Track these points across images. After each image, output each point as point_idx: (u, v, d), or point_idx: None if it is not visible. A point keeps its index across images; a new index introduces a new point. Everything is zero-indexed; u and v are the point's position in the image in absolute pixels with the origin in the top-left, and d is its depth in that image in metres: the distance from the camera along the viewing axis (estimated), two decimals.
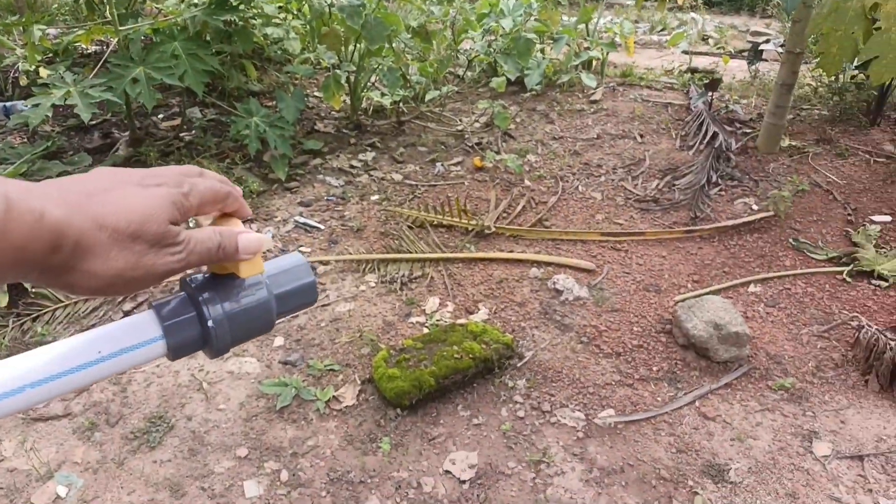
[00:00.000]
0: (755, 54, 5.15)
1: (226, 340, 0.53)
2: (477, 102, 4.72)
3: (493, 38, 5.03)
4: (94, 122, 4.22)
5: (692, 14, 8.04)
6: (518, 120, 4.68)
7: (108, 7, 3.36)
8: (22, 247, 0.39)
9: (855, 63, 4.04)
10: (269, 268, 0.57)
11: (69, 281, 0.44)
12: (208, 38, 3.70)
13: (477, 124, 4.64)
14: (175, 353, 0.52)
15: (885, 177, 3.65)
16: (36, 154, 3.43)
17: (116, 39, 3.45)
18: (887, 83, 3.80)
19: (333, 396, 2.30)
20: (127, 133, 3.97)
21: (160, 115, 4.45)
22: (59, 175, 3.22)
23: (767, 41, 5.57)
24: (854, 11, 3.01)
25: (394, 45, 4.17)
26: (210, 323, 0.52)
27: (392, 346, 2.49)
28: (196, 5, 3.67)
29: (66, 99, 3.01)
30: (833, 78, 4.32)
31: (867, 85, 4.32)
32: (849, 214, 3.37)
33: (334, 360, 2.47)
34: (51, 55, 4.49)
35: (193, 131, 4.18)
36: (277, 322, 0.59)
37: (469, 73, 5.54)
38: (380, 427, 2.19)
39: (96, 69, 3.49)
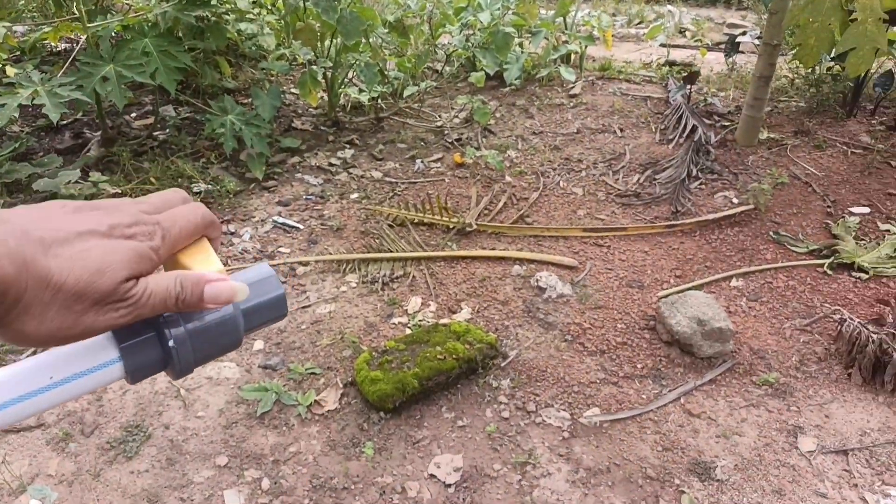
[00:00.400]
0: (732, 46, 5.16)
1: (188, 361, 0.49)
2: (456, 98, 4.68)
3: (471, 32, 4.98)
4: (64, 122, 4.12)
5: (669, 6, 8.06)
6: (498, 115, 4.65)
7: (76, 3, 3.27)
8: None
9: (832, 54, 4.06)
10: (234, 280, 0.53)
11: (4, 332, 0.40)
12: (180, 34, 3.62)
13: (456, 120, 4.60)
14: (133, 376, 0.48)
15: (862, 168, 3.67)
16: (4, 156, 3.33)
17: (85, 37, 3.36)
18: (863, 74, 3.82)
19: (315, 401, 2.25)
20: (99, 133, 3.88)
21: (133, 114, 4.35)
22: (28, 177, 3.14)
23: (744, 33, 5.59)
24: (830, 3, 3.01)
25: (370, 40, 4.11)
26: (171, 343, 0.48)
27: (374, 347, 2.45)
28: (167, 1, 3.58)
29: (33, 99, 2.92)
30: (810, 70, 4.34)
31: (843, 76, 4.34)
32: (828, 206, 3.38)
33: (315, 363, 2.43)
34: (18, 53, 4.38)
35: (167, 130, 4.09)
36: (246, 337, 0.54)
37: (447, 68, 5.49)
38: (363, 431, 2.15)
39: (65, 67, 3.40)
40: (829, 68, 4.52)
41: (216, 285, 0.49)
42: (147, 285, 0.45)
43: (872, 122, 4.23)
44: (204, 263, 0.52)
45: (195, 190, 3.43)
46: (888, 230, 3.14)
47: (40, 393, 0.44)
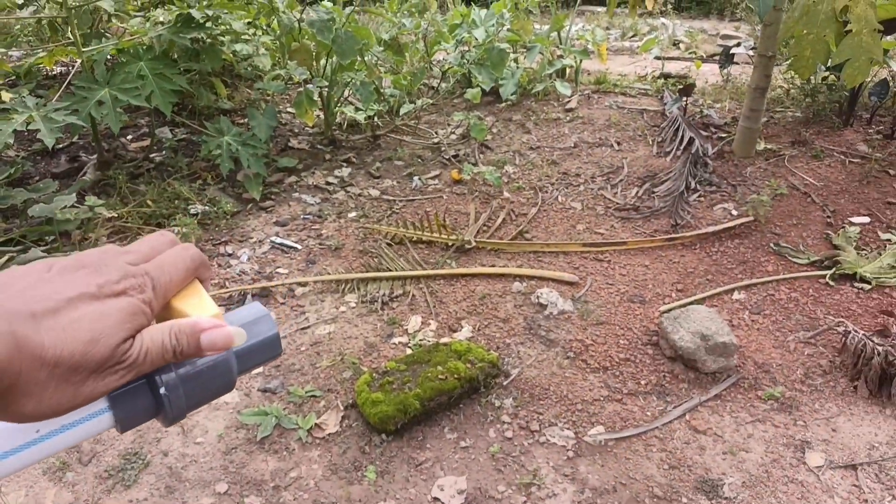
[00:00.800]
0: (727, 58, 5.17)
1: (181, 408, 0.47)
2: (452, 114, 4.68)
3: (466, 49, 4.99)
4: (60, 146, 4.11)
5: (662, 19, 8.10)
6: (494, 131, 4.64)
7: (70, 28, 3.27)
8: None
9: (827, 65, 4.06)
10: (227, 322, 0.52)
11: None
12: (175, 56, 3.62)
13: (453, 136, 4.60)
14: (123, 425, 0.46)
15: (860, 177, 3.67)
16: None
17: (80, 61, 3.36)
18: (859, 84, 3.82)
19: (316, 424, 2.22)
20: (94, 156, 3.87)
21: (129, 137, 4.35)
22: (24, 203, 3.12)
23: (738, 44, 5.60)
24: (825, 14, 3.01)
25: (366, 58, 4.12)
26: (162, 390, 0.46)
27: (375, 368, 2.42)
28: (162, 24, 3.59)
29: (28, 124, 2.91)
30: (806, 80, 4.34)
31: (839, 86, 4.35)
32: (828, 216, 3.37)
33: (315, 385, 2.40)
34: (13, 78, 4.38)
35: (164, 152, 4.09)
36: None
37: (443, 85, 5.50)
38: (365, 454, 2.12)
39: (60, 91, 3.40)
40: (824, 78, 4.53)
41: (212, 333, 0.47)
42: (143, 342, 0.44)
43: (869, 131, 4.23)
44: (198, 307, 0.50)
45: (192, 211, 3.41)
46: (889, 239, 3.13)
47: (27, 447, 0.42)
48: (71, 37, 3.32)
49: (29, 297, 0.40)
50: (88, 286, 0.43)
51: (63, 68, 5.08)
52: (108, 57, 3.56)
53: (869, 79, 4.07)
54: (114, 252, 0.46)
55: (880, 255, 3.00)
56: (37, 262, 0.43)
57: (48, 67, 4.68)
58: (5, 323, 0.37)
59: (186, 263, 0.49)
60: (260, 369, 2.47)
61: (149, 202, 3.44)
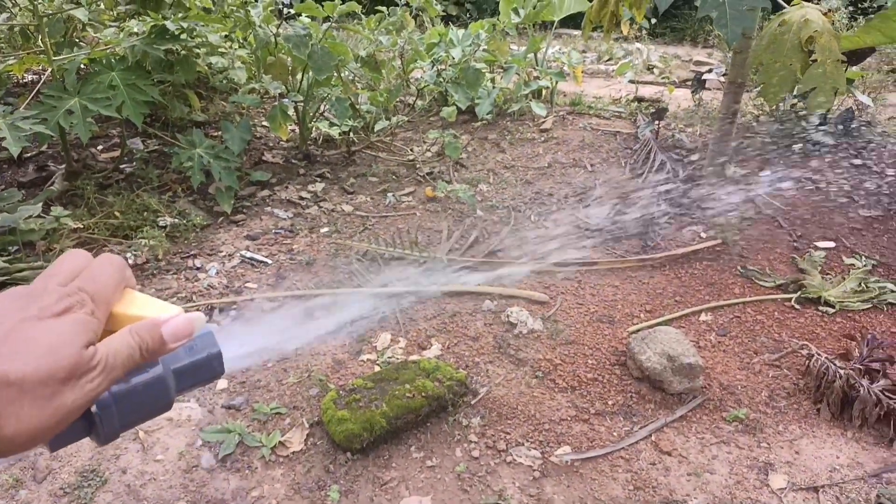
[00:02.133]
0: (699, 84, 5.27)
1: (113, 427, 0.46)
2: (428, 132, 4.69)
3: (442, 67, 5.03)
4: (28, 155, 4.05)
5: (637, 44, 8.24)
6: (469, 149, 4.67)
7: (41, 36, 3.23)
8: None
9: (794, 93, 4.16)
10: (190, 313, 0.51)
11: None
12: (149, 68, 3.59)
13: (428, 154, 4.61)
14: (53, 445, 0.45)
15: (827, 203, 3.74)
16: None
17: (51, 69, 3.31)
18: (825, 112, 3.92)
19: (280, 442, 2.19)
20: (63, 166, 3.81)
21: (99, 147, 4.29)
22: None
23: (710, 71, 5.72)
24: (791, 44, 3.09)
25: (342, 74, 4.12)
26: (94, 408, 0.45)
27: (342, 385, 2.40)
28: (136, 35, 3.56)
29: None
30: (774, 106, 4.44)
31: (806, 113, 4.45)
32: (794, 241, 3.43)
33: (281, 402, 2.36)
34: None
35: (134, 163, 4.04)
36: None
37: (420, 103, 5.53)
38: (329, 473, 2.09)
39: (29, 99, 3.35)
40: (792, 105, 4.63)
41: (171, 324, 0.48)
42: (108, 347, 0.45)
43: (836, 156, 4.33)
44: (149, 309, 0.49)
45: (161, 224, 3.37)
46: (853, 264, 3.19)
47: None
48: (42, 45, 3.28)
49: None
50: (28, 311, 0.42)
51: (34, 77, 5.01)
52: (80, 66, 3.52)
53: (835, 107, 4.18)
54: (40, 280, 0.46)
55: (844, 279, 3.06)
56: None
57: (18, 75, 4.61)
58: None
59: (114, 271, 0.48)
60: (224, 384, 2.44)
61: (116, 213, 3.39)
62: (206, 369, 0.51)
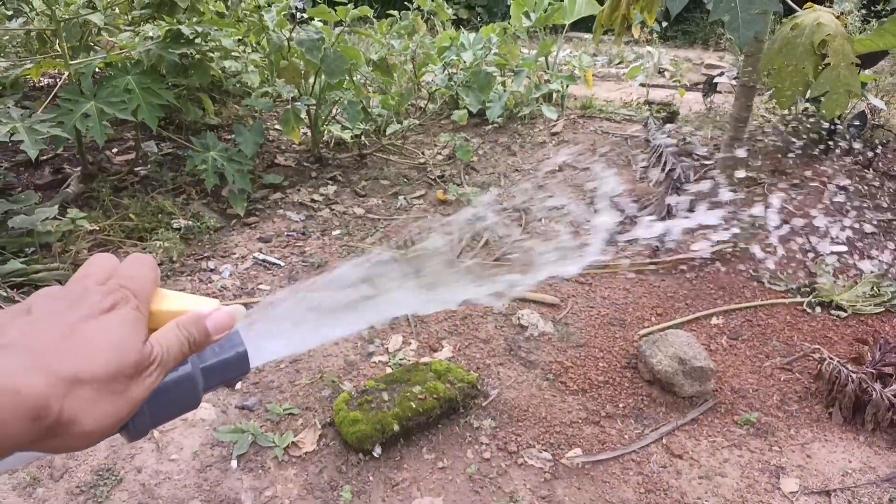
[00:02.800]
0: (710, 87, 5.26)
1: (144, 424, 0.48)
2: (439, 135, 4.71)
3: (454, 71, 5.05)
4: (44, 158, 4.10)
5: (648, 48, 8.22)
6: (480, 152, 4.68)
7: (59, 40, 3.27)
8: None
9: (807, 96, 4.15)
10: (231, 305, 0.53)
11: (59, 445, 0.41)
12: (163, 71, 3.63)
13: (439, 157, 4.63)
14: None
15: (838, 206, 3.73)
16: None
17: (67, 73, 3.36)
18: (838, 115, 3.90)
19: (292, 442, 2.21)
20: (79, 168, 3.86)
21: (114, 150, 4.34)
22: (4, 214, 3.09)
23: (721, 74, 5.70)
24: (803, 48, 3.08)
25: (354, 78, 4.15)
26: None
27: (354, 387, 2.42)
28: (151, 39, 3.60)
29: (12, 135, 2.90)
30: (786, 110, 4.42)
31: (818, 117, 4.43)
32: (806, 245, 3.42)
33: (294, 403, 2.39)
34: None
35: (149, 166, 4.08)
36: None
37: (431, 106, 5.55)
38: (341, 474, 2.10)
39: (46, 103, 3.39)
40: (804, 109, 4.61)
41: (214, 317, 0.50)
42: (159, 341, 0.46)
43: (847, 161, 4.31)
44: (186, 304, 0.51)
45: (175, 226, 3.40)
46: (865, 268, 3.17)
47: None
48: (59, 49, 3.33)
49: (37, 332, 0.41)
50: (79, 310, 0.44)
51: (50, 80, 5.07)
52: (96, 70, 3.56)
53: (847, 111, 4.16)
54: (75, 282, 0.47)
55: (857, 283, 3.05)
56: (4, 310, 0.44)
57: (35, 79, 4.67)
58: (29, 357, 0.39)
59: (148, 268, 0.50)
60: (238, 385, 2.46)
61: (131, 216, 3.42)
62: (232, 368, 0.53)
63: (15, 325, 0.41)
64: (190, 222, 3.47)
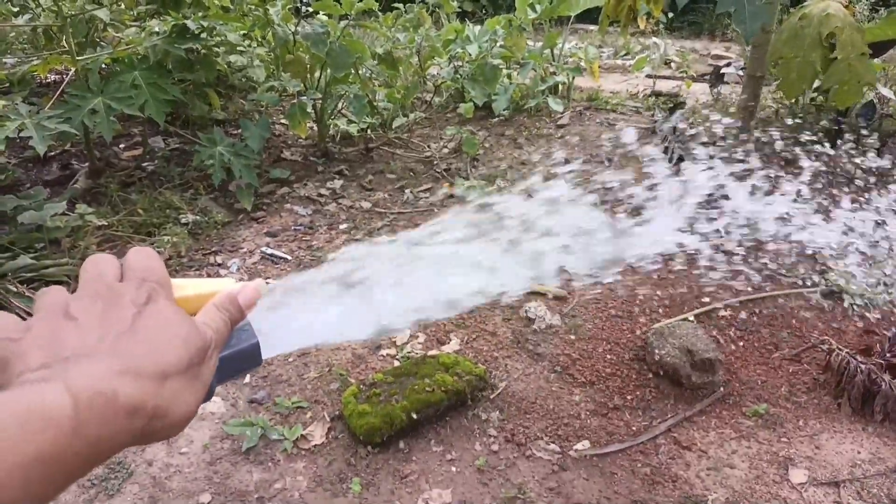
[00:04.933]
0: (717, 78, 5.24)
1: None
2: (445, 128, 4.71)
3: (459, 64, 5.04)
4: (52, 153, 4.11)
5: (654, 39, 8.18)
6: (486, 145, 4.68)
7: (66, 36, 3.28)
8: (98, 436, 0.37)
9: (814, 87, 4.13)
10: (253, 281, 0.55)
11: (153, 436, 0.43)
12: (170, 67, 3.63)
13: (445, 150, 4.63)
14: None
15: (848, 198, 3.71)
16: None
17: (74, 69, 3.37)
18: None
19: (302, 435, 2.22)
20: (86, 164, 3.87)
21: (122, 145, 4.35)
22: (14, 209, 3.11)
23: (728, 65, 5.67)
24: (811, 39, 3.07)
25: (360, 71, 4.14)
26: None
27: (362, 380, 2.43)
28: (157, 34, 3.61)
29: (20, 131, 2.91)
30: (794, 100, 4.40)
31: (826, 107, 4.41)
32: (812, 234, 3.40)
33: (302, 396, 2.40)
34: (7, 85, 4.38)
35: (156, 161, 4.09)
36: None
37: (437, 99, 5.54)
38: (350, 466, 2.11)
39: (53, 99, 3.40)
40: (812, 99, 4.59)
41: (244, 293, 0.53)
42: (208, 324, 0.48)
43: (854, 151, 4.28)
44: (206, 287, 0.53)
45: (183, 221, 3.42)
46: (874, 258, 3.16)
47: None
48: (66, 45, 3.33)
49: (100, 336, 0.42)
50: (125, 308, 0.44)
51: (57, 76, 5.09)
52: (103, 66, 3.58)
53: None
54: (93, 282, 0.47)
55: (865, 273, 3.04)
56: (40, 309, 0.44)
57: (42, 75, 4.68)
58: (117, 358, 0.40)
59: (155, 259, 0.50)
60: (247, 379, 2.47)
61: (140, 211, 3.44)
62: (245, 360, 0.54)
63: (69, 335, 0.42)
64: (197, 217, 3.48)
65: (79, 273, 0.48)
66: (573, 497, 2.01)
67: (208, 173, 3.57)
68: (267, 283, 0.56)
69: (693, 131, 4.58)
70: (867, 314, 2.84)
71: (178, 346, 0.43)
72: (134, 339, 0.42)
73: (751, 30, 2.83)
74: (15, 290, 2.67)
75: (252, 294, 0.53)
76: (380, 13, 5.12)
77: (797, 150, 4.13)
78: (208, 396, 0.52)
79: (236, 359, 0.53)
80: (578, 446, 2.19)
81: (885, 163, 3.94)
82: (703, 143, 4.40)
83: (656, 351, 2.44)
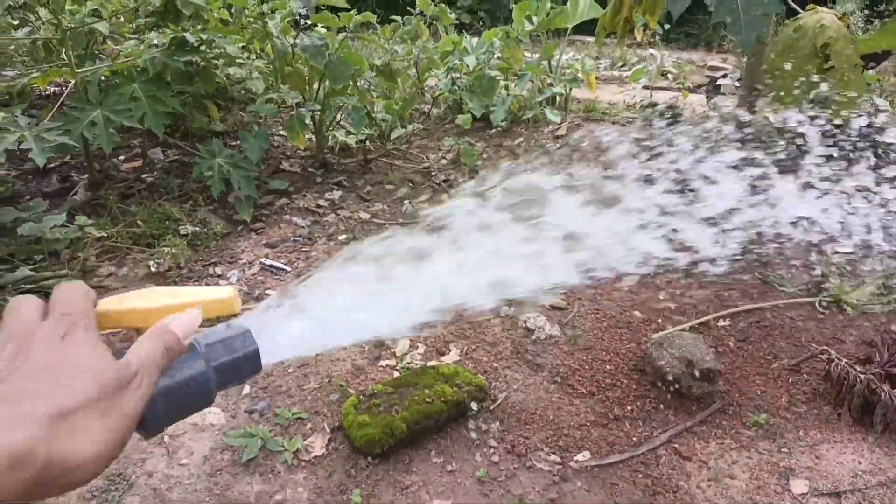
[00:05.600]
0: (713, 89, 5.28)
1: (160, 420, 0.49)
2: (443, 139, 4.73)
3: (457, 75, 5.06)
4: (52, 165, 4.12)
5: (651, 50, 8.24)
6: (484, 156, 4.69)
7: (65, 49, 3.30)
8: None
9: (810, 98, 4.15)
10: (207, 337, 0.54)
11: (63, 484, 0.40)
12: (169, 79, 3.65)
13: (444, 161, 4.64)
14: None
15: (842, 206, 3.72)
16: None
17: (74, 81, 3.38)
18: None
19: (302, 446, 2.22)
20: (86, 176, 3.88)
21: (121, 157, 4.36)
22: (13, 221, 3.12)
23: (724, 76, 5.72)
24: (806, 50, 3.09)
25: (358, 83, 4.16)
26: None
27: (362, 391, 2.42)
28: (156, 47, 3.62)
29: (20, 143, 2.92)
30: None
31: (822, 119, 4.43)
32: (814, 244, 3.42)
33: (302, 407, 2.39)
34: (6, 97, 4.39)
35: (155, 173, 4.10)
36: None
37: (435, 111, 5.56)
38: (350, 477, 2.11)
39: (53, 111, 3.41)
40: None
41: (177, 321, 0.51)
42: (138, 352, 0.47)
43: (849, 161, 4.31)
44: (202, 295, 0.54)
45: (182, 232, 3.42)
46: (873, 268, 3.17)
47: None
48: (65, 58, 3.35)
49: (3, 379, 0.40)
50: (38, 347, 0.43)
51: (57, 89, 5.10)
52: (102, 78, 3.59)
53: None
54: (11, 325, 0.45)
55: (865, 282, 3.05)
56: None
57: (42, 88, 4.70)
58: (13, 409, 0.38)
59: (80, 291, 0.49)
60: (247, 390, 2.47)
61: (139, 222, 3.44)
62: (244, 366, 0.54)
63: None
64: (197, 228, 3.49)
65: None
66: None
67: (207, 185, 3.58)
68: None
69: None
70: (866, 323, 2.84)
71: (84, 380, 0.41)
72: (32, 378, 0.40)
73: (746, 40, 2.85)
74: None
75: (188, 321, 0.52)
76: (378, 25, 5.15)
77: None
78: (208, 404, 0.52)
79: (237, 365, 0.54)
80: (579, 457, 2.19)
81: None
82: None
83: (656, 361, 2.45)
